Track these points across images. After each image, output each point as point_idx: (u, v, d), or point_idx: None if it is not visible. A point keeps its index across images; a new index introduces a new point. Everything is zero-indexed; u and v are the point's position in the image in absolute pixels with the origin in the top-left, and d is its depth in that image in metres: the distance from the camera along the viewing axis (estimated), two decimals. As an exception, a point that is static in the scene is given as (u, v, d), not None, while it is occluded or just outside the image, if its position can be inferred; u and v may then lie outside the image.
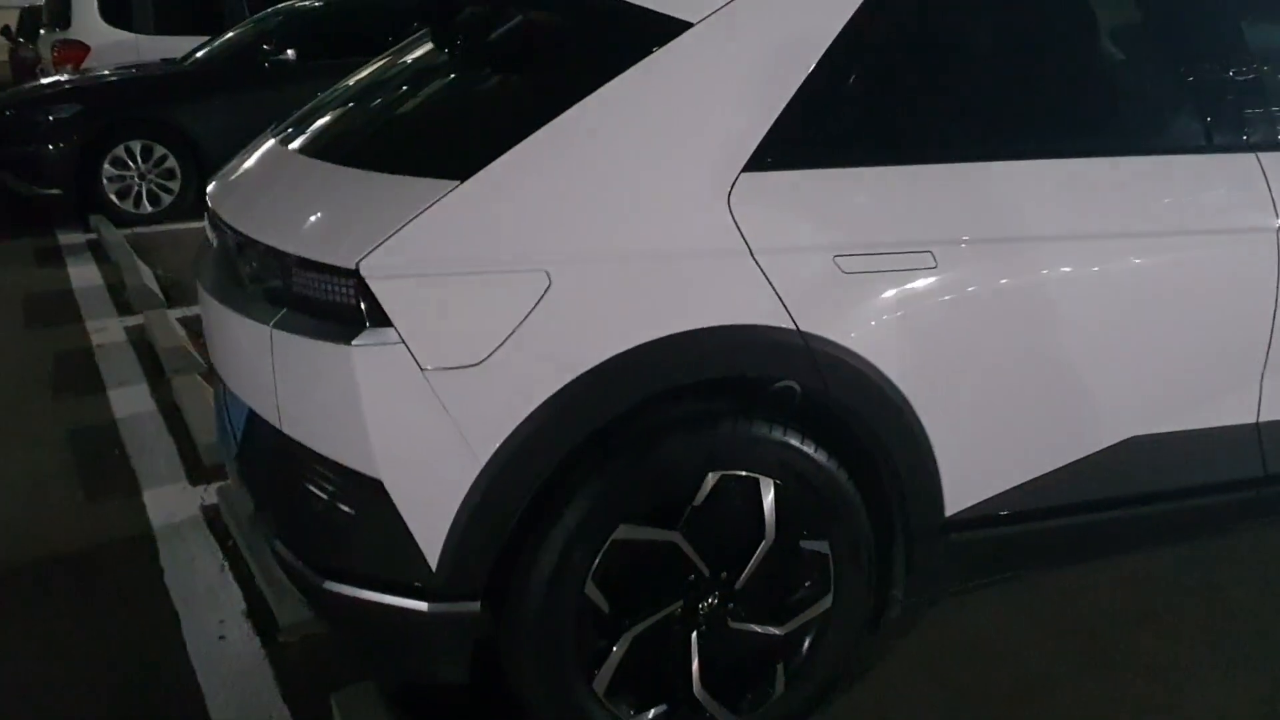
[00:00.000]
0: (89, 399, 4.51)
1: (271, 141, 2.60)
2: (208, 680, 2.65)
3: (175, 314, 5.46)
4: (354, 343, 1.97)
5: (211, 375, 3.01)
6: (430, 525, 2.02)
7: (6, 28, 16.39)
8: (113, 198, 7.77)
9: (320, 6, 9.03)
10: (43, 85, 8.29)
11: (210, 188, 2.64)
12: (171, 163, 7.87)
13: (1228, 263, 2.49)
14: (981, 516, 2.39)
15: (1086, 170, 2.40)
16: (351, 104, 2.70)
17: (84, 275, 6.56)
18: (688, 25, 2.14)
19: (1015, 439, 2.38)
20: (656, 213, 2.08)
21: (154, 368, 4.82)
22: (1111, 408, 2.46)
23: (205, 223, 2.67)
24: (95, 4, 10.19)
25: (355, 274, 1.96)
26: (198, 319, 5.33)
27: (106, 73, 8.46)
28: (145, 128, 7.82)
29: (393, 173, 2.13)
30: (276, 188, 2.38)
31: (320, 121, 2.62)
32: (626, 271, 2.05)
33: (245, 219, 2.29)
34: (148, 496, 3.60)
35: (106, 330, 5.43)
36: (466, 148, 2.10)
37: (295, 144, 2.50)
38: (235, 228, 2.29)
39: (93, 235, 7.48)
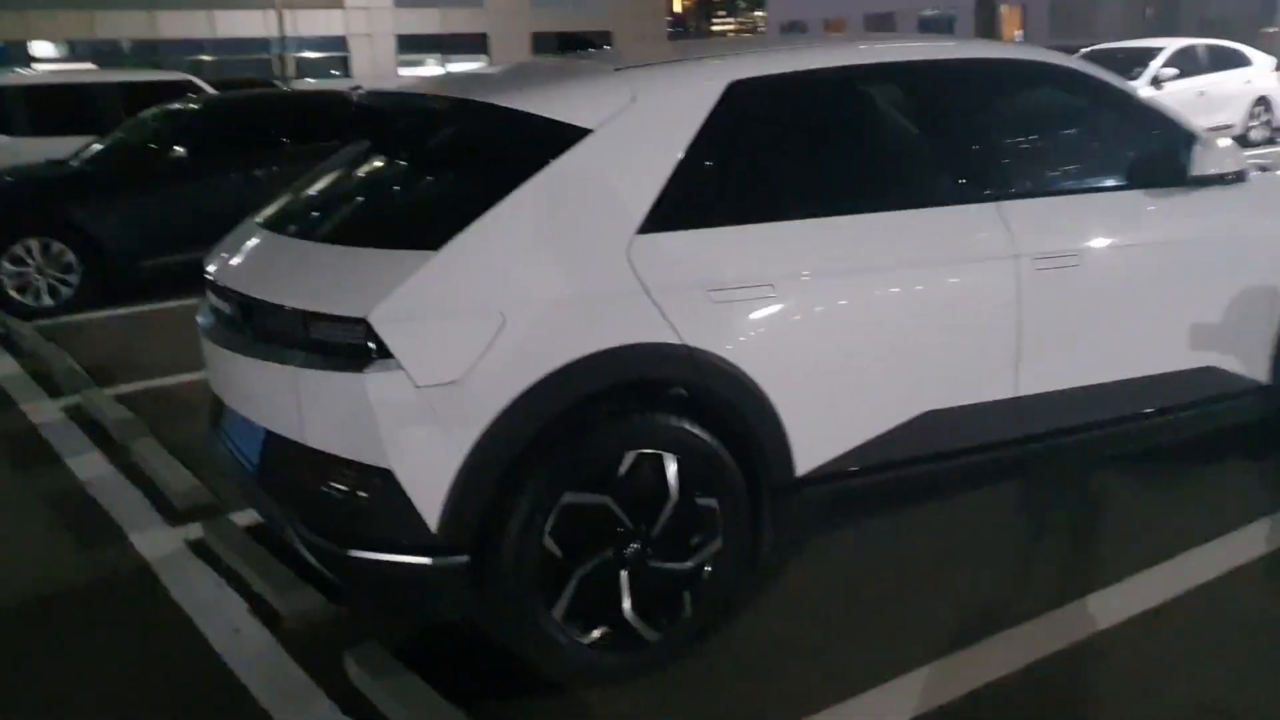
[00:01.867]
0: (49, 468, 5.03)
1: (264, 228, 3.34)
2: (233, 661, 3.29)
3: (109, 391, 6.01)
4: (366, 371, 2.74)
5: (207, 420, 3.67)
6: (430, 499, 2.78)
7: None
8: (13, 293, 8.17)
9: (202, 106, 9.62)
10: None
11: (211, 266, 3.36)
12: (69, 258, 8.31)
13: (982, 280, 3.45)
14: (824, 475, 3.26)
15: (880, 221, 3.34)
16: (326, 197, 3.47)
17: (1, 366, 6.99)
18: (589, 131, 3.00)
19: (843, 416, 3.27)
20: (577, 267, 2.92)
21: (99, 438, 5.37)
22: (910, 389, 3.38)
23: (207, 293, 3.39)
24: (-27, 111, 10.58)
25: (365, 322, 2.73)
26: (128, 395, 5.94)
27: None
28: (42, 225, 8.27)
29: (380, 247, 2.92)
30: (286, 263, 3.13)
31: (304, 211, 3.40)
32: (559, 310, 2.88)
33: (262, 288, 3.03)
34: (134, 539, 4.19)
35: (43, 411, 5.92)
36: (436, 226, 2.89)
37: (289, 229, 3.26)
38: (253, 295, 3.03)
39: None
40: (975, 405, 3.50)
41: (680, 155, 3.06)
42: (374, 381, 2.74)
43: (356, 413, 2.78)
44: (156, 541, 4.16)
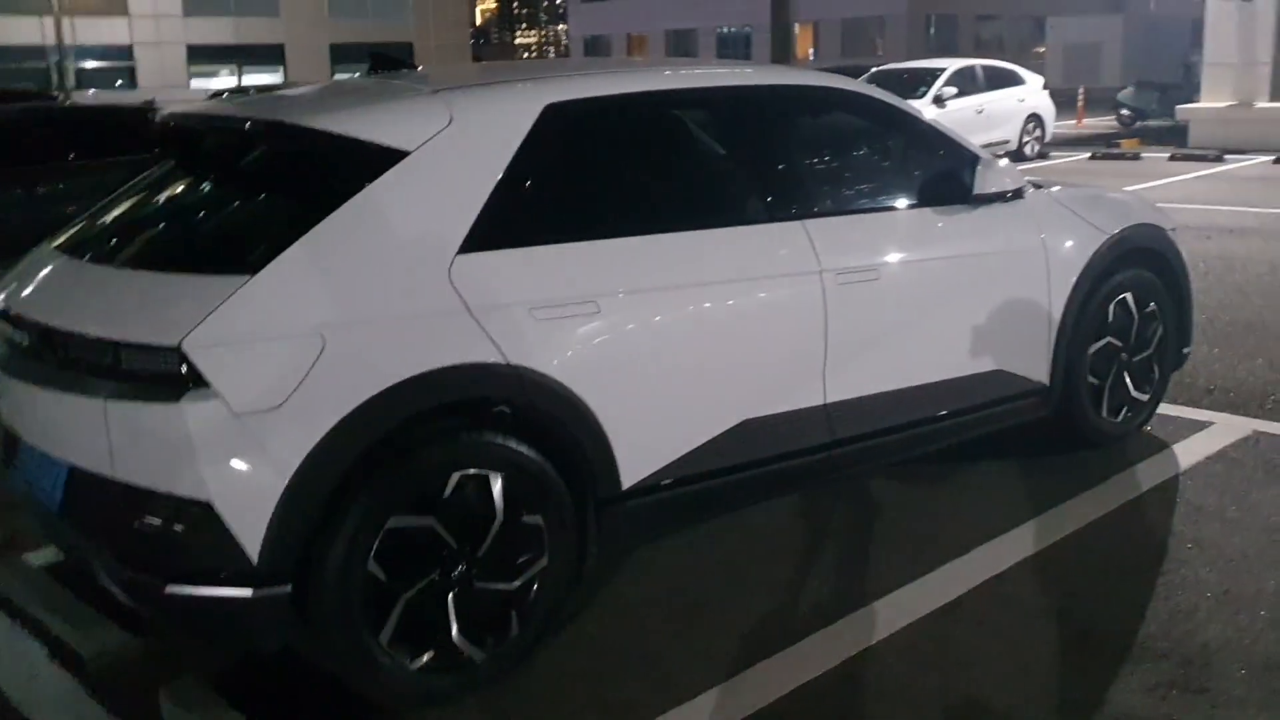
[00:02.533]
0: None
1: (63, 253, 3.19)
2: (31, 710, 3.12)
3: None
4: (182, 400, 2.66)
5: None
6: (250, 529, 2.72)
7: None
8: None
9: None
10: None
11: (2, 294, 3.18)
12: None
13: (792, 295, 3.61)
14: (648, 486, 3.35)
15: (695, 239, 3.47)
16: (131, 220, 3.34)
17: None
18: (406, 153, 3.01)
19: (665, 427, 3.38)
20: (397, 287, 2.92)
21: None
22: (727, 400, 3.51)
23: None
24: None
25: (178, 350, 2.65)
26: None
27: None
28: None
29: (192, 272, 2.84)
30: (90, 290, 2.99)
31: (107, 236, 3.26)
32: (380, 331, 2.87)
33: (65, 317, 2.90)
34: (-85, 584, 3.91)
35: None
36: (251, 250, 2.84)
37: (91, 254, 3.12)
38: (54, 325, 2.89)
39: None
40: (787, 413, 3.66)
41: (499, 176, 3.10)
42: (190, 411, 2.67)
43: (172, 444, 2.70)
44: (-59, 586, 3.89)
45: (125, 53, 39.86)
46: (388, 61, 3.84)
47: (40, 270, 3.19)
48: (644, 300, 3.28)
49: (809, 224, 3.67)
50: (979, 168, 4.09)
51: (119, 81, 39.15)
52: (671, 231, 3.41)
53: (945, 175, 4.13)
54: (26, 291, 3.12)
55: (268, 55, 42.36)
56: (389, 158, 2.99)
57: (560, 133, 3.27)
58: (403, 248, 2.95)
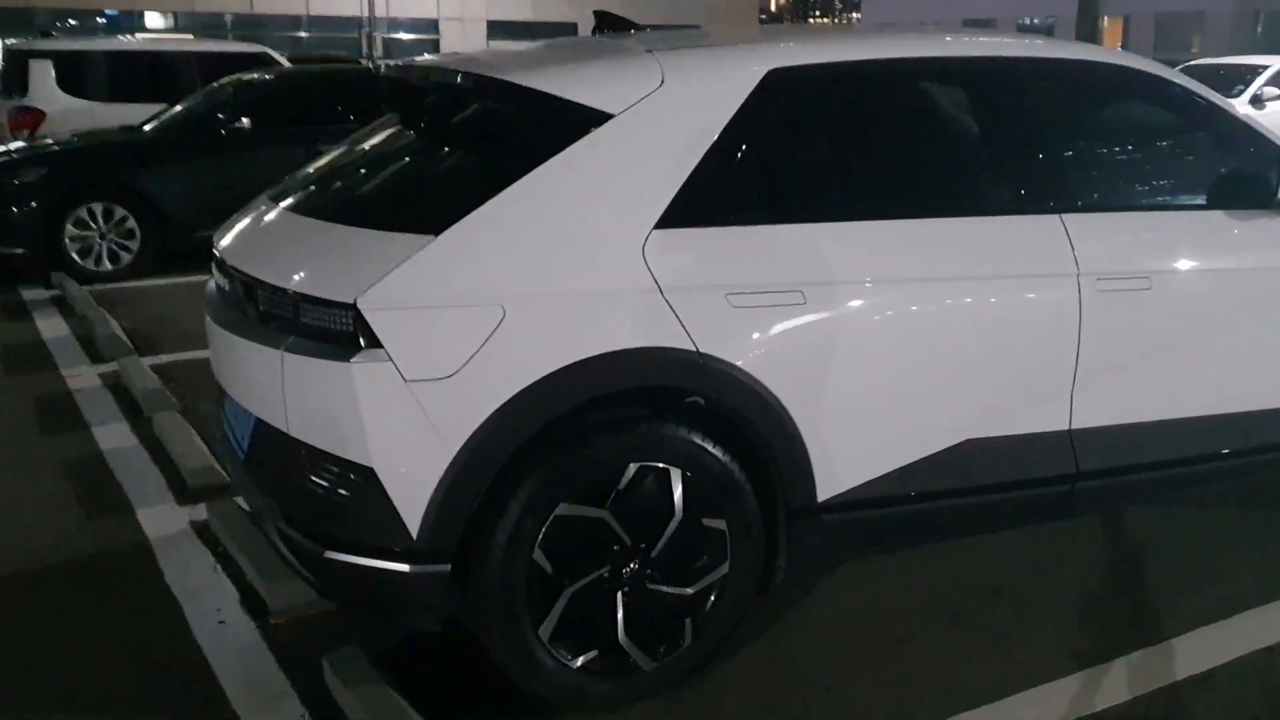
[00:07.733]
0: (74, 435, 4.96)
1: (271, 203, 3.17)
2: (212, 655, 3.14)
3: (147, 361, 5.94)
4: (352, 360, 2.54)
5: (213, 400, 3.52)
6: (412, 502, 2.58)
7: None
8: (74, 256, 8.18)
9: (271, 79, 9.59)
10: (8, 150, 8.71)
11: (219, 241, 3.19)
12: (131, 224, 8.30)
13: (1039, 300, 3.15)
14: (848, 502, 3.00)
15: (928, 228, 3.06)
16: (338, 173, 3.29)
17: (53, 328, 6.98)
18: (610, 116, 2.78)
19: (872, 439, 3.00)
20: (587, 260, 2.70)
21: (130, 408, 5.29)
22: (949, 415, 3.09)
23: (213, 269, 3.23)
24: (52, 73, 10.67)
25: (354, 308, 2.54)
26: (169, 365, 5.86)
27: (70, 138, 8.91)
28: (107, 191, 8.27)
29: (379, 229, 2.72)
30: (283, 240, 2.95)
31: (312, 187, 3.21)
32: (564, 305, 2.66)
33: (257, 265, 2.85)
34: (141, 515, 4.08)
35: (81, 376, 5.88)
36: (438, 209, 2.69)
37: (293, 205, 3.07)
38: (249, 273, 2.86)
39: (56, 292, 7.89)
40: (1021, 436, 3.20)
41: (709, 146, 2.81)
42: (359, 372, 2.55)
43: (340, 404, 2.59)
44: (161, 520, 4.04)
45: (432, 26, 42.14)
46: (614, 21, 3.62)
47: (249, 219, 3.18)
48: (857, 294, 2.91)
49: (1068, 219, 3.18)
50: (1289, 168, 3.45)
51: (425, 54, 41.48)
52: (898, 218, 3.02)
53: (1244, 175, 3.49)
54: (234, 240, 3.12)
55: (562, 33, 43.70)
56: (591, 119, 2.76)
57: (783, 101, 2.95)
58: (595, 218, 2.72)
